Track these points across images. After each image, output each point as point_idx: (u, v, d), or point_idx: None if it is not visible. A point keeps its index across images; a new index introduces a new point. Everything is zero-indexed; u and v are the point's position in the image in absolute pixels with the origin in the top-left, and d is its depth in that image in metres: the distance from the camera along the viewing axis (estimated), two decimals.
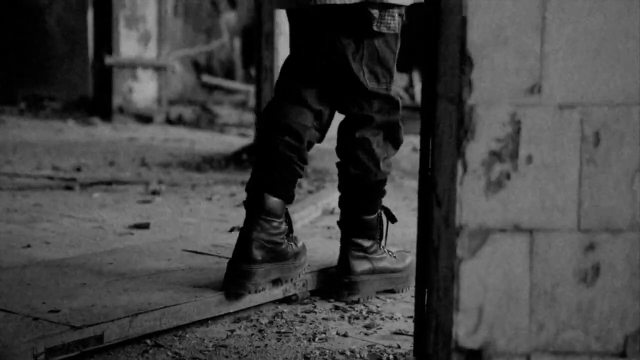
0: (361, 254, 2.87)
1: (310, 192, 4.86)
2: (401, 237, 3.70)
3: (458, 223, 1.51)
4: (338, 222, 2.95)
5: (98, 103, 9.32)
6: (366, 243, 2.89)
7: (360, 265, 2.88)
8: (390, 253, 2.98)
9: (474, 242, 1.52)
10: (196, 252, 3.13)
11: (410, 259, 3.01)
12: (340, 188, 2.92)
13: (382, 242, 2.98)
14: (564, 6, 1.46)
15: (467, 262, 1.53)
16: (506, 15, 1.45)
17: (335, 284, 2.88)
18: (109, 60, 8.91)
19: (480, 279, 1.52)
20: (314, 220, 4.05)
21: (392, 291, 2.95)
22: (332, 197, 4.38)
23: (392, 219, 2.98)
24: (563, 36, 1.46)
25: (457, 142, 1.50)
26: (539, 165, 1.48)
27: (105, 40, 9.01)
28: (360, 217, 2.89)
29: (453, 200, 1.53)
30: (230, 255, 2.73)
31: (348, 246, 2.88)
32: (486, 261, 1.52)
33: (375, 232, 2.92)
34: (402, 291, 2.96)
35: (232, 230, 3.67)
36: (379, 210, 2.93)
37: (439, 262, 1.70)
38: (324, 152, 5.79)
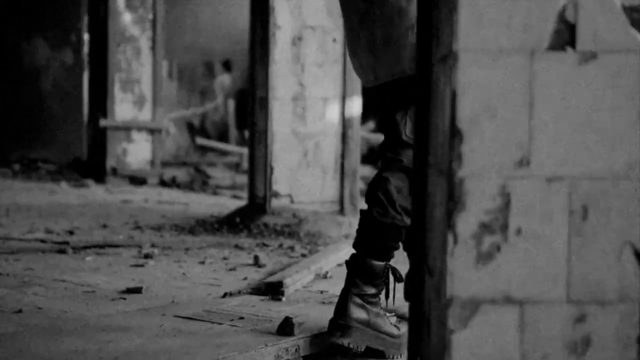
0: (360, 301, 2.91)
1: (303, 255, 4.86)
2: (396, 302, 3.70)
3: (449, 294, 1.52)
4: (346, 262, 2.99)
5: (92, 165, 9.35)
6: (368, 290, 2.93)
7: (358, 313, 2.92)
8: (387, 316, 3.01)
9: (465, 312, 1.53)
10: (188, 318, 3.12)
11: (406, 329, 3.02)
12: (357, 230, 3.00)
13: (387, 300, 3.03)
14: (551, 81, 1.49)
15: (458, 332, 1.53)
16: (495, 90, 1.48)
17: (330, 324, 2.91)
18: (103, 122, 8.96)
19: (471, 349, 1.53)
20: (307, 284, 4.05)
21: (382, 354, 2.95)
22: (325, 261, 4.38)
23: (398, 279, 3.03)
24: (550, 110, 1.49)
25: (447, 213, 1.52)
26: (528, 237, 1.50)
27: (100, 102, 9.08)
28: (368, 259, 2.94)
29: (444, 270, 1.54)
30: (221, 322, 2.73)
31: (350, 288, 2.93)
32: (477, 332, 1.52)
33: (380, 283, 2.96)
34: (393, 357, 2.96)
35: (224, 295, 3.66)
36: (387, 264, 2.97)
37: (430, 332, 1.71)
38: (317, 216, 5.81)
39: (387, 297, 3.02)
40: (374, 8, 2.98)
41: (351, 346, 2.88)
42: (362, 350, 2.91)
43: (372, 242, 2.94)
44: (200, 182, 9.38)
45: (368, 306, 2.93)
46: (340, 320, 2.89)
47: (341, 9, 3.17)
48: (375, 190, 2.96)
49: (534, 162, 1.50)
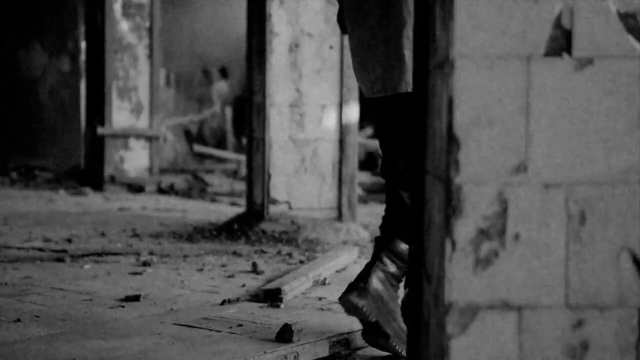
0: (382, 277, 2.97)
1: (301, 262, 4.86)
2: None
3: (447, 300, 1.53)
4: (375, 238, 3.07)
5: (89, 173, 9.36)
6: (391, 268, 2.98)
7: (378, 285, 2.95)
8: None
9: (463, 318, 1.53)
10: (187, 326, 3.12)
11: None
12: (385, 216, 3.07)
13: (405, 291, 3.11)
14: (547, 87, 1.49)
15: (456, 338, 1.53)
16: (491, 97, 1.49)
17: (349, 286, 2.95)
18: (101, 130, 8.97)
19: (470, 355, 1.53)
20: (306, 291, 4.05)
21: (387, 337, 2.95)
22: (323, 267, 4.38)
23: None
24: (547, 116, 1.49)
25: (445, 219, 1.52)
26: (526, 243, 1.50)
27: (98, 110, 9.09)
28: (395, 239, 3.01)
29: (442, 277, 1.55)
30: (220, 329, 2.73)
31: (375, 261, 2.98)
32: (476, 338, 1.53)
33: (402, 267, 3.01)
34: (396, 346, 2.96)
35: (223, 303, 3.66)
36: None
37: (429, 338, 1.71)
38: (315, 223, 5.81)
39: (405, 287, 3.08)
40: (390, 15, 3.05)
41: (364, 310, 2.88)
42: (373, 321, 2.90)
43: (401, 224, 3.01)
44: (198, 189, 9.38)
45: (388, 285, 2.97)
46: (361, 283, 2.93)
47: (350, 17, 3.19)
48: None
49: (531, 168, 1.50)
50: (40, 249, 5.12)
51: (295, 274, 4.15)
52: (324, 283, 4.22)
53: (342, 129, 6.01)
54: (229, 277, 4.39)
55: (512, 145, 1.49)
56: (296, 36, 5.92)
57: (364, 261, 4.91)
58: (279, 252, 5.17)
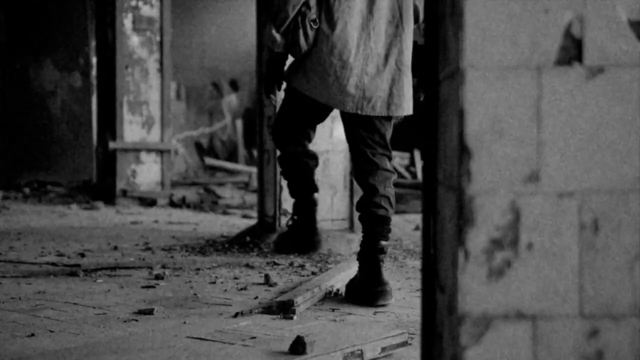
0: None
1: (314, 273, 4.85)
2: (406, 318, 3.69)
3: (461, 310, 1.52)
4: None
5: (101, 187, 9.38)
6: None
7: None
8: None
9: (477, 329, 1.53)
10: (200, 339, 3.12)
11: None
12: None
13: None
14: (558, 96, 1.49)
15: (471, 349, 1.53)
16: (503, 106, 1.49)
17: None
18: (112, 144, 9.00)
19: None
20: (318, 302, 4.04)
21: None
22: (335, 279, 4.37)
23: None
24: (559, 125, 1.49)
25: (457, 229, 1.52)
26: (539, 253, 1.50)
27: (109, 125, 9.12)
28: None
29: (455, 287, 1.54)
30: (233, 342, 2.73)
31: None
32: (490, 348, 1.52)
33: None
34: None
35: (236, 315, 3.66)
36: None
37: (443, 348, 1.71)
38: (327, 234, 5.81)
39: None
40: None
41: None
42: None
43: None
44: (209, 202, 9.39)
45: None
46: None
47: None
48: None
49: (543, 177, 1.50)
50: (54, 264, 5.13)
51: (307, 286, 4.14)
52: (336, 294, 4.21)
53: None
54: (241, 289, 4.39)
55: (524, 155, 1.49)
56: None
57: None
58: (291, 264, 5.17)
